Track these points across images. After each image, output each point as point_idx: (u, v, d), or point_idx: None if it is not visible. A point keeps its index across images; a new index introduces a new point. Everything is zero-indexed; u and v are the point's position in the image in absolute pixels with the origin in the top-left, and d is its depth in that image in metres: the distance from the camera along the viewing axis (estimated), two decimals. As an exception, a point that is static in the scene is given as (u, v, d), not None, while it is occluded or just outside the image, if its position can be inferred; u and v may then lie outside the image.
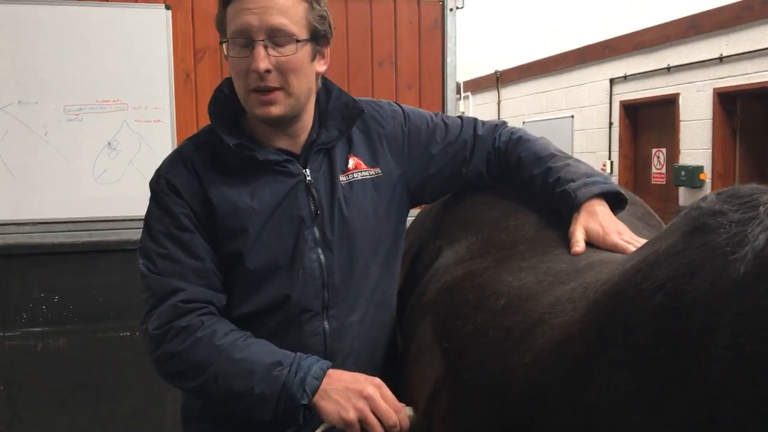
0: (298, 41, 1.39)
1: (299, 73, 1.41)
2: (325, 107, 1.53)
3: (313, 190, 1.46)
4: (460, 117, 1.70)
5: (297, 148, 1.50)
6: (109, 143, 3.29)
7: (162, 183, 1.44)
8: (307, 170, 1.47)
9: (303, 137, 1.50)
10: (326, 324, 1.45)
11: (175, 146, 3.35)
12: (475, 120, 1.69)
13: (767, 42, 6.48)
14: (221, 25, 1.44)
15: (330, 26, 1.46)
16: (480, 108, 11.83)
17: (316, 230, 1.45)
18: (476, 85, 11.81)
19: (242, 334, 1.38)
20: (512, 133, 1.66)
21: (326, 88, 1.54)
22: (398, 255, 1.62)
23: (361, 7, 3.59)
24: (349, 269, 1.47)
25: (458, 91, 4.57)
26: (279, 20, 1.37)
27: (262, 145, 1.47)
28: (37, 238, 3.22)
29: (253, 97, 1.40)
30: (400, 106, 1.65)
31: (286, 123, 1.47)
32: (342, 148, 1.53)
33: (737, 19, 6.75)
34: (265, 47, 1.36)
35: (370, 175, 1.53)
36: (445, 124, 1.64)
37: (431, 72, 3.73)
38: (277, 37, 1.37)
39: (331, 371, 1.33)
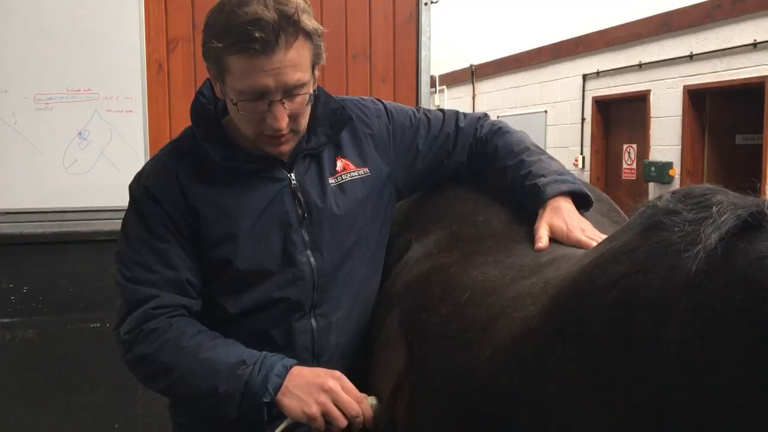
0: (308, 87, 1.37)
1: (305, 112, 1.42)
2: (313, 113, 1.49)
3: (299, 194, 1.46)
4: (441, 110, 1.71)
5: (284, 154, 1.49)
6: (79, 133, 3.25)
7: (141, 189, 1.44)
8: (292, 174, 1.47)
9: None
10: (314, 322, 1.47)
11: (147, 137, 3.32)
12: (456, 112, 1.70)
13: (736, 40, 6.58)
14: (215, 60, 1.34)
15: (322, 48, 1.40)
16: (455, 102, 11.87)
17: (304, 233, 1.46)
18: (452, 79, 11.84)
19: (210, 335, 1.39)
20: (494, 124, 1.69)
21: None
22: (383, 252, 1.63)
23: (335, 0, 3.59)
24: (338, 269, 1.48)
25: (433, 85, 4.57)
26: (295, 76, 1.33)
27: (247, 151, 1.46)
28: (6, 229, 3.17)
29: (265, 139, 1.40)
30: (382, 103, 1.65)
31: None
32: (330, 151, 1.52)
33: (707, 17, 6.85)
34: (282, 102, 1.34)
35: (359, 175, 1.53)
36: (428, 118, 1.65)
37: (405, 66, 3.73)
38: (293, 92, 1.35)
39: (293, 369, 1.34)
